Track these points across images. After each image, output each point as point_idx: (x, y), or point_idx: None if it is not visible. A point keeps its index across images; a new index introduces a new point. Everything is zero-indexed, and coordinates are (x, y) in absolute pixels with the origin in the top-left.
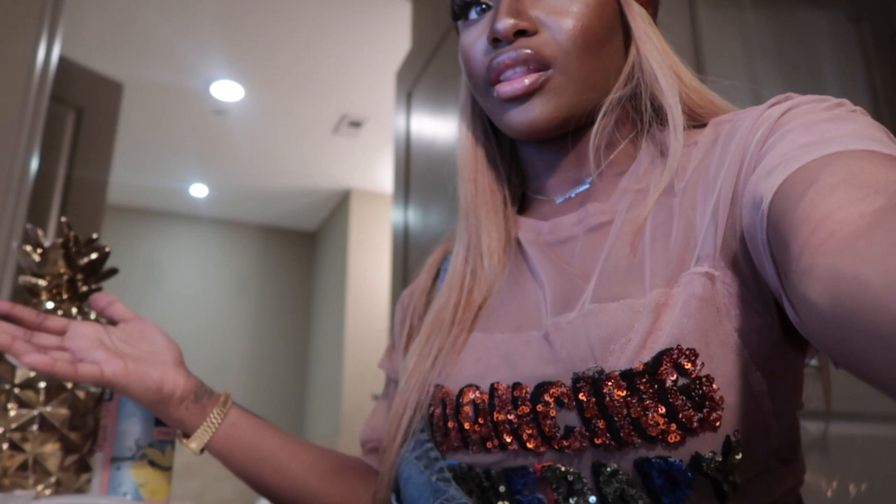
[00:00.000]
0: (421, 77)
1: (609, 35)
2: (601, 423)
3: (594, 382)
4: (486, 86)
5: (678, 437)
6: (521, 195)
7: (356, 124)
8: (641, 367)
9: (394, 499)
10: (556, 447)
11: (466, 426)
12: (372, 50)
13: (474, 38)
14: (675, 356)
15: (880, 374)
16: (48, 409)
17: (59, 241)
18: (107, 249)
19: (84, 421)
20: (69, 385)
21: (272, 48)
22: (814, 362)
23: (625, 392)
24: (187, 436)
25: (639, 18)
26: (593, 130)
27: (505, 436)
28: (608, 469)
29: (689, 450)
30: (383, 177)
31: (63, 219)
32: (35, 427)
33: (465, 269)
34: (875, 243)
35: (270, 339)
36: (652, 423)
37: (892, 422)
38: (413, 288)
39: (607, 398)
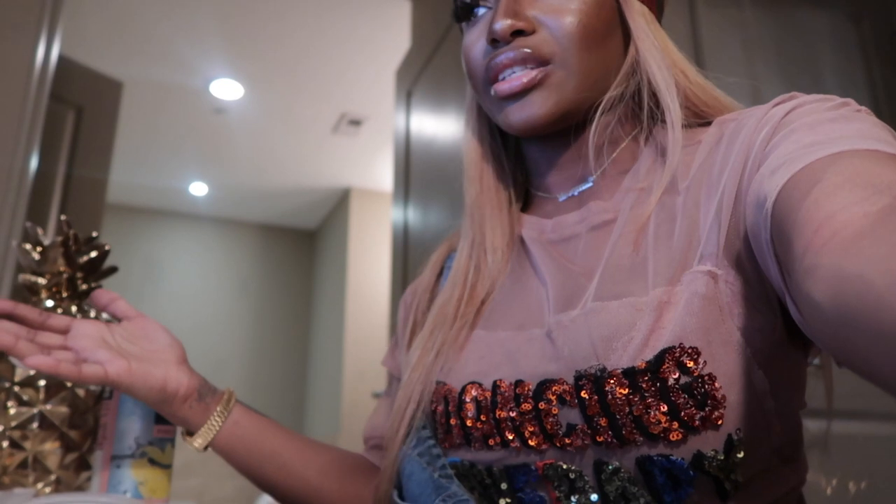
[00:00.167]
0: (421, 76)
1: (608, 32)
2: (603, 421)
3: (596, 380)
4: (485, 85)
5: (680, 436)
6: (525, 192)
7: (356, 123)
8: (644, 365)
9: (395, 495)
10: (557, 445)
11: (468, 423)
12: (372, 49)
13: (474, 39)
14: (677, 354)
15: (883, 372)
16: (48, 407)
17: (59, 239)
18: (106, 248)
19: (84, 419)
20: (69, 383)
21: (272, 47)
22: (816, 361)
23: (627, 390)
24: (190, 433)
25: (638, 16)
26: (592, 128)
27: (507, 433)
28: (610, 467)
29: (691, 448)
30: (383, 175)
31: (63, 217)
32: (35, 425)
33: (469, 265)
34: (879, 243)
35: (270, 337)
36: (654, 421)
37: (893, 420)
38: (416, 285)
39: (609, 396)
